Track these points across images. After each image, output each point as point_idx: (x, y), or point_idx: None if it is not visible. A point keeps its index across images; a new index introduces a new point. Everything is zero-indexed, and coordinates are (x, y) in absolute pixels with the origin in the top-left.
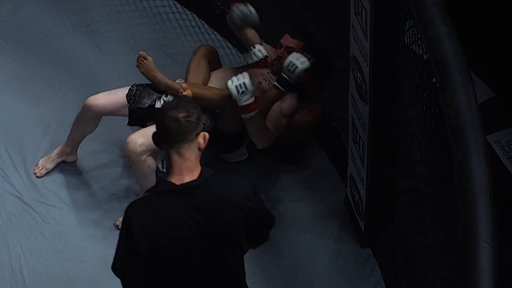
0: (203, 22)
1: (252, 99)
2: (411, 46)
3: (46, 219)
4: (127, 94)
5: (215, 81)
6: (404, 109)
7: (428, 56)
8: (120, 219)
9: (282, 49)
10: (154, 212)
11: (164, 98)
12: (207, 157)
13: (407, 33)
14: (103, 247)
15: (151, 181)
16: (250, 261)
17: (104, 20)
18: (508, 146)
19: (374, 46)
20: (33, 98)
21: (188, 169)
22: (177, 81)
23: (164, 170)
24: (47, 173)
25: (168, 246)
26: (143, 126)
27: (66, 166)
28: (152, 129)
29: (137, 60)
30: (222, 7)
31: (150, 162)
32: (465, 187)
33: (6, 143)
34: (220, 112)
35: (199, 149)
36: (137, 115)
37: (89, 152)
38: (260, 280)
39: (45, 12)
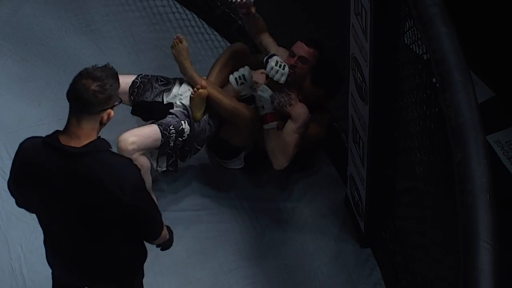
0: (203, 22)
1: (271, 110)
2: (411, 46)
3: None
4: (130, 86)
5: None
6: (404, 109)
7: (428, 56)
8: None
9: (296, 58)
10: (37, 150)
11: (165, 98)
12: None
13: (407, 33)
14: None
15: (146, 180)
16: (249, 260)
17: (104, 20)
18: (508, 146)
19: (374, 46)
20: (33, 98)
21: (77, 135)
22: (176, 88)
23: (158, 168)
24: None
25: (39, 184)
26: (144, 119)
27: None
28: (144, 129)
29: (173, 41)
30: (222, 7)
31: (143, 161)
32: (465, 187)
33: (6, 143)
34: (227, 122)
35: (101, 123)
36: (139, 107)
37: None
38: (260, 280)
39: (45, 12)
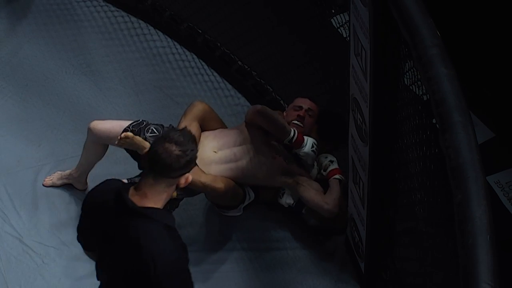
0: (203, 63)
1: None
2: (411, 87)
3: (46, 260)
4: (123, 132)
5: (207, 146)
6: (404, 150)
7: (428, 97)
8: None
9: (304, 110)
10: (104, 194)
11: None
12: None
13: (407, 73)
14: None
15: None
16: None
17: (104, 61)
18: (508, 187)
19: (374, 86)
20: (33, 139)
21: (145, 195)
22: None
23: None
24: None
25: (96, 226)
26: (139, 168)
27: (67, 204)
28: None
29: (119, 142)
30: (222, 48)
31: None
32: (466, 228)
33: (6, 184)
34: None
35: (177, 186)
36: (134, 154)
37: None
38: None
39: (46, 53)
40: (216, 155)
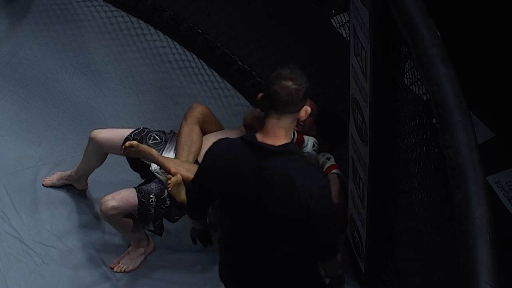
0: (203, 63)
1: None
2: (411, 87)
3: (46, 260)
4: (124, 141)
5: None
6: (404, 150)
7: (428, 97)
8: (115, 261)
9: None
10: (226, 151)
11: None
12: None
13: (407, 73)
14: None
15: (135, 235)
16: None
17: (104, 61)
18: (508, 187)
19: (374, 86)
20: (33, 139)
21: (274, 134)
22: (167, 154)
23: (146, 227)
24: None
25: (227, 183)
26: (142, 177)
27: (67, 204)
28: (125, 193)
29: (125, 151)
30: (222, 48)
31: (127, 221)
32: (466, 228)
33: (6, 184)
34: None
35: (298, 120)
36: (136, 165)
37: (94, 189)
38: None
39: (46, 53)
40: None
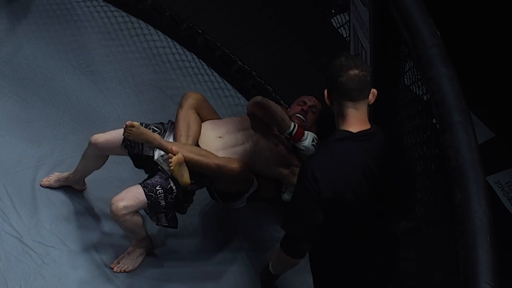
0: (203, 63)
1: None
2: (411, 87)
3: (46, 260)
4: (123, 140)
5: (210, 133)
6: (404, 150)
7: (428, 97)
8: (115, 261)
9: (307, 106)
10: (336, 160)
11: (155, 152)
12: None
13: (407, 74)
14: None
15: (141, 234)
16: None
17: (104, 61)
18: (508, 187)
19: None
20: (33, 138)
21: (362, 121)
22: (167, 138)
23: (159, 224)
24: (49, 195)
25: (350, 194)
26: (146, 172)
27: (67, 204)
28: (133, 191)
29: (125, 131)
30: (222, 48)
31: (136, 219)
32: (466, 228)
33: (6, 183)
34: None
35: (368, 104)
36: (138, 161)
37: (94, 188)
38: None
39: (46, 53)
40: (221, 140)
